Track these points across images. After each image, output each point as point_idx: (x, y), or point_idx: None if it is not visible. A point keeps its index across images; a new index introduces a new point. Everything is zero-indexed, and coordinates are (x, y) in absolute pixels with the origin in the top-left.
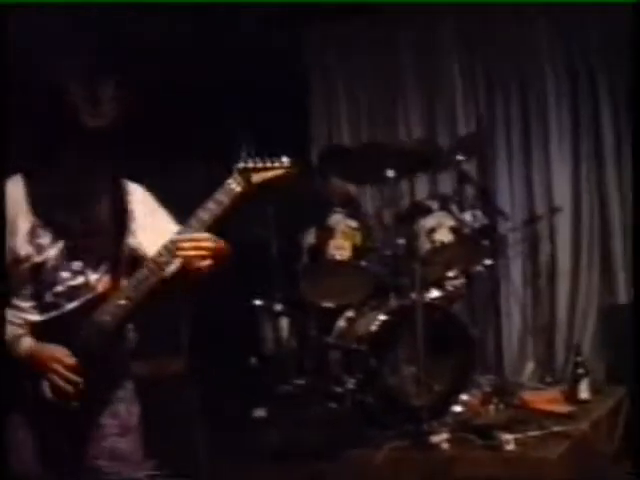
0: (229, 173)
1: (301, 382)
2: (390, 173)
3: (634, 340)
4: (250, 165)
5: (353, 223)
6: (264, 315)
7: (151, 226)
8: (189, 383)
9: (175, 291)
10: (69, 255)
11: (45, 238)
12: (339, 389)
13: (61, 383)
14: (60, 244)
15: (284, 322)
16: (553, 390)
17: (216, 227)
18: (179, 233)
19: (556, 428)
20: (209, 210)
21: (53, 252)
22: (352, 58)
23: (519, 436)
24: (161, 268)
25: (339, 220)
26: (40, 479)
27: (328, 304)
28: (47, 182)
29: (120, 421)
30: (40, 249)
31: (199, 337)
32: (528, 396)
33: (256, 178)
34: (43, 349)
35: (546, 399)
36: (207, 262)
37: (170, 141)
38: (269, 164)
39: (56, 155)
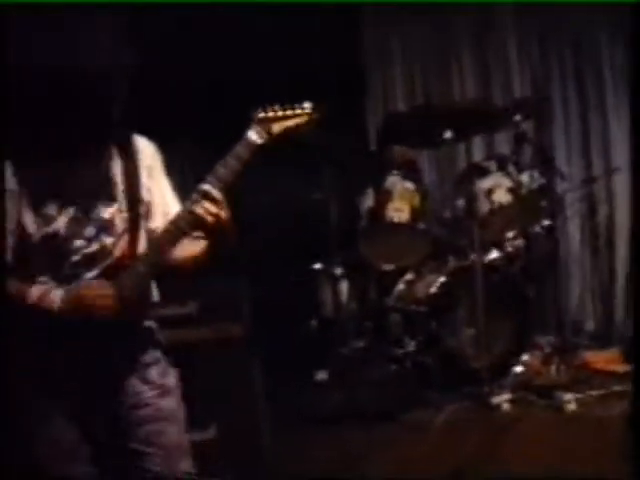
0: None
1: (361, 345)
2: (447, 134)
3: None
4: (270, 114)
5: (411, 185)
6: (323, 278)
7: (161, 183)
8: (250, 347)
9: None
10: (80, 221)
11: (51, 207)
12: (399, 351)
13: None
14: (69, 211)
15: (344, 285)
16: (613, 350)
17: (234, 181)
18: (198, 191)
19: (616, 387)
20: (229, 165)
21: (62, 221)
22: (406, 21)
23: (580, 396)
24: (182, 230)
25: (396, 182)
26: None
27: (387, 267)
28: (42, 153)
29: (155, 385)
30: (48, 220)
31: (259, 301)
32: (588, 356)
33: (277, 128)
34: (84, 288)
35: (606, 359)
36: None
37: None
38: (289, 111)
39: (55, 122)
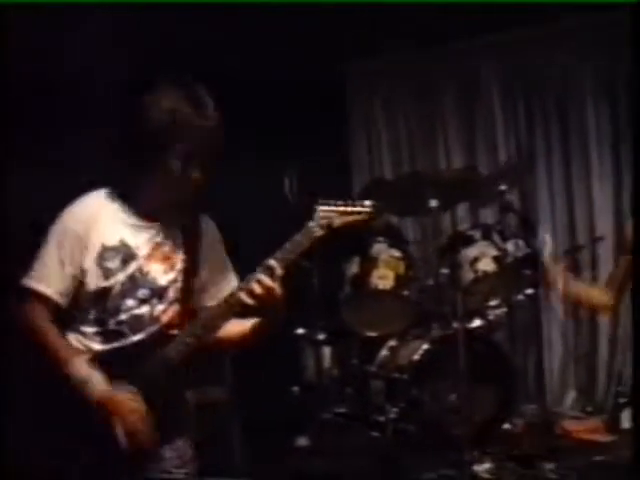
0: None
1: (343, 411)
2: (432, 203)
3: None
4: (332, 208)
5: (396, 253)
6: (306, 344)
7: (218, 263)
8: (232, 411)
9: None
10: (136, 282)
11: (115, 261)
12: (381, 418)
13: (138, 436)
14: (129, 269)
15: (326, 351)
16: (595, 419)
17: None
18: (257, 274)
19: (598, 458)
20: (288, 252)
21: (121, 277)
22: (392, 88)
23: (560, 466)
24: (233, 309)
25: (382, 250)
26: None
27: (371, 333)
28: (136, 201)
29: (179, 453)
30: (108, 273)
31: (241, 365)
32: (569, 425)
33: (337, 221)
34: (119, 399)
35: (588, 428)
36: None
37: None
38: (350, 208)
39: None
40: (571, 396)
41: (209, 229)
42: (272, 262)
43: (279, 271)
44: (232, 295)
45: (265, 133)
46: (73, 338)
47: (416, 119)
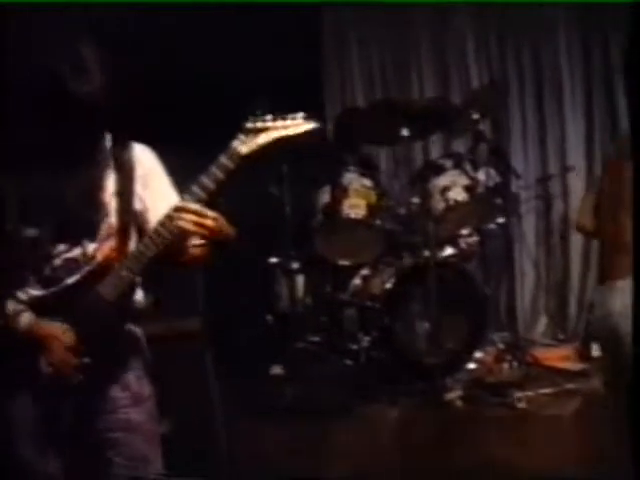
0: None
1: (316, 339)
2: (404, 132)
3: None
4: (259, 124)
5: (367, 182)
6: (279, 273)
7: (158, 192)
8: (205, 342)
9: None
10: (64, 225)
11: (36, 213)
12: (354, 346)
13: (57, 361)
14: (55, 216)
15: (299, 280)
16: (565, 347)
17: (220, 192)
18: (182, 201)
19: (569, 385)
20: (213, 175)
21: (47, 225)
22: (366, 17)
23: (531, 394)
24: (163, 238)
25: (353, 179)
26: (45, 460)
27: (343, 262)
28: (31, 159)
29: (131, 392)
30: (32, 224)
31: (214, 295)
32: (540, 353)
33: (265, 138)
34: (41, 326)
35: (558, 356)
36: (200, 242)
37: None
38: (279, 122)
39: (47, 130)
40: (542, 323)
41: (144, 158)
42: (195, 189)
43: (203, 196)
44: (155, 229)
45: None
46: (20, 294)
47: (389, 49)
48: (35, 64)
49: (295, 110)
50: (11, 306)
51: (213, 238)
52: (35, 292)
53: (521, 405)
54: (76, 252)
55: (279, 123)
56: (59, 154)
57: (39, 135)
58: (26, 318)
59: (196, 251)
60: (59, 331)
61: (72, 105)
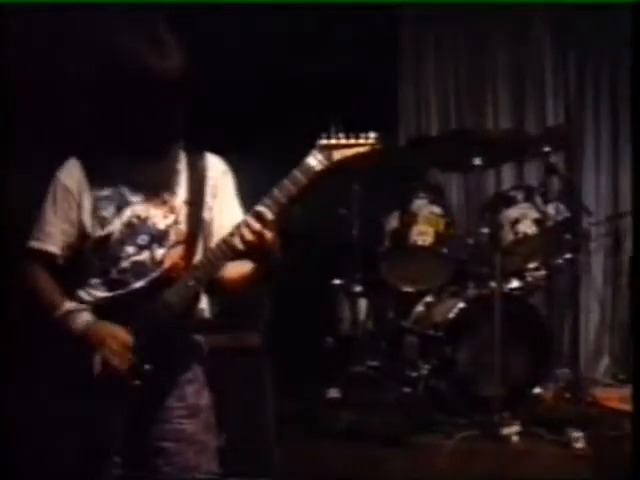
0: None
1: (376, 364)
2: (477, 161)
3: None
4: (332, 141)
5: (437, 209)
6: (343, 295)
7: (224, 203)
8: (264, 358)
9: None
10: (134, 228)
11: (109, 209)
12: (413, 374)
13: (113, 359)
14: (124, 216)
15: (362, 303)
16: (626, 388)
17: (292, 206)
18: (252, 213)
19: (628, 427)
20: (285, 189)
21: (117, 224)
22: (444, 45)
23: (588, 433)
24: (233, 250)
25: (423, 205)
26: (91, 463)
27: (407, 288)
28: (109, 154)
29: (187, 403)
30: (104, 222)
31: (278, 313)
32: (600, 393)
33: (337, 155)
34: (100, 325)
35: (619, 397)
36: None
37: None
38: (353, 140)
39: (120, 119)
40: (604, 363)
41: (216, 168)
42: (261, 208)
43: (269, 215)
44: (225, 240)
45: (312, 82)
46: (83, 293)
47: (466, 75)
48: (114, 41)
49: (368, 130)
50: (70, 305)
51: (260, 254)
52: (100, 293)
53: (579, 445)
54: (144, 256)
55: (352, 141)
56: (137, 139)
57: (117, 118)
58: (84, 318)
59: (244, 268)
60: (119, 331)
61: (150, 81)
